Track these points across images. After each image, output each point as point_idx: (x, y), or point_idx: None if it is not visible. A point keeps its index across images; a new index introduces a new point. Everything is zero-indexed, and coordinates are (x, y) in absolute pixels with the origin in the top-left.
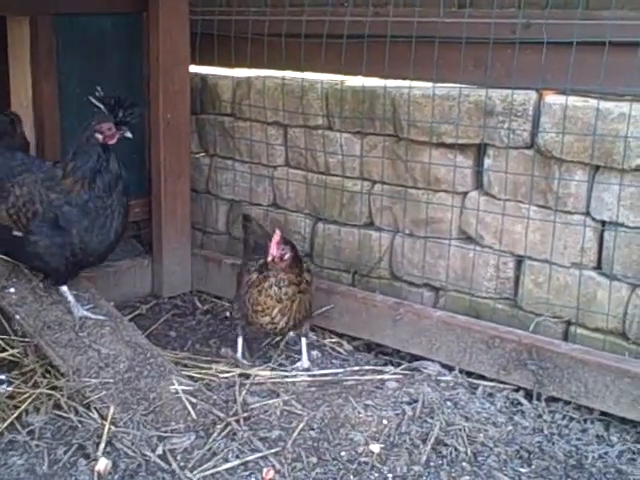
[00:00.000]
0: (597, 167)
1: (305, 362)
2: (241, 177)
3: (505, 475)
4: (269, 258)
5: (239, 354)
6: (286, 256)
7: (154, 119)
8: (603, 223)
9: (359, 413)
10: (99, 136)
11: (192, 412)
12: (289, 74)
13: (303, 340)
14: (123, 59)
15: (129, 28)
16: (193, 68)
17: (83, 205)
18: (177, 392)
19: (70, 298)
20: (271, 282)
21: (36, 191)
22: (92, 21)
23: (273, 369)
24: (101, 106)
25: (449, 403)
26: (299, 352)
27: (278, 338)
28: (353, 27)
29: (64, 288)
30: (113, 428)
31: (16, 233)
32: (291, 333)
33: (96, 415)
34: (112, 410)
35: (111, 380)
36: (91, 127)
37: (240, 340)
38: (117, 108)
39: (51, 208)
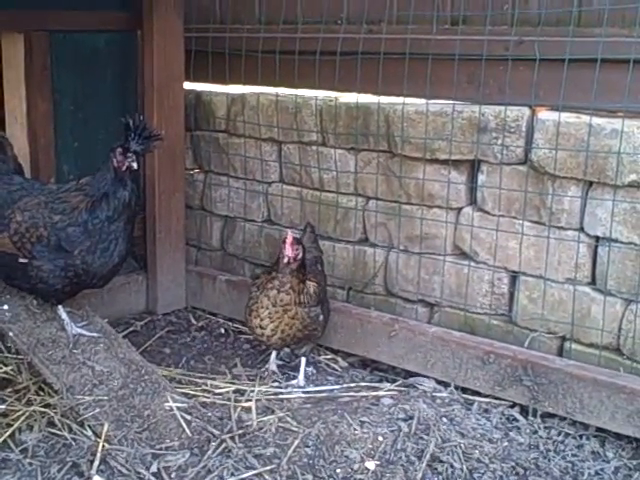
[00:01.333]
0: (590, 183)
1: (301, 381)
2: (235, 193)
3: None
4: (284, 260)
5: (271, 365)
6: (299, 256)
7: None
8: (597, 239)
9: (354, 430)
10: (114, 160)
11: (187, 429)
12: (283, 91)
13: (302, 360)
14: (117, 76)
15: (123, 45)
16: (187, 85)
17: (84, 224)
18: (171, 409)
19: (64, 315)
20: (274, 284)
21: (39, 214)
22: (86, 38)
23: (269, 385)
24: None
25: (445, 419)
26: (294, 369)
27: (274, 353)
28: (347, 44)
29: (58, 306)
30: (107, 446)
31: (22, 260)
32: (286, 349)
33: (90, 433)
34: (106, 427)
35: (105, 397)
36: (112, 149)
37: (273, 353)
38: (131, 134)
39: (55, 231)
